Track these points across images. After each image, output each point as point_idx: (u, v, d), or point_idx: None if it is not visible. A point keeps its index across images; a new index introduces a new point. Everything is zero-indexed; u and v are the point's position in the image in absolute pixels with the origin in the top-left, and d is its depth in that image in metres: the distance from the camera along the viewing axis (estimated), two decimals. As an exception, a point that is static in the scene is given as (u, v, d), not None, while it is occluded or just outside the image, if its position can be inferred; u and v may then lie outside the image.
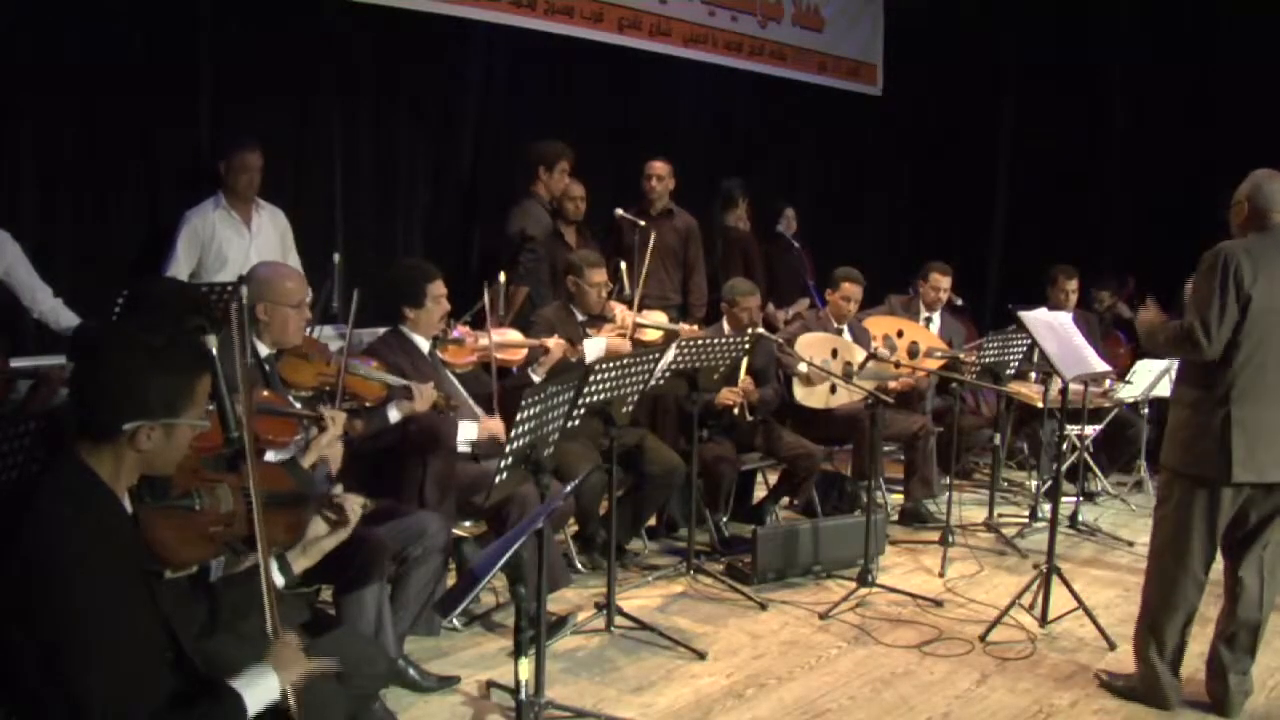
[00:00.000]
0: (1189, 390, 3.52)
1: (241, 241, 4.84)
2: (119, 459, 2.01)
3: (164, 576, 2.16)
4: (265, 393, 3.25)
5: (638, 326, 5.21)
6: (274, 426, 3.11)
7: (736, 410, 5.18)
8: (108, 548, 1.93)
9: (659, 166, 6.30)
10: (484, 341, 4.49)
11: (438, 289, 4.16)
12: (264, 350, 3.47)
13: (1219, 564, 3.66)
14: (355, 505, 2.57)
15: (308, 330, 3.70)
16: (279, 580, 2.39)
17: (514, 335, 4.80)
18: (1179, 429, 3.53)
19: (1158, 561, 3.63)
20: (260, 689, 2.10)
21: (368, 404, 3.71)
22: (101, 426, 1.99)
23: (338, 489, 2.61)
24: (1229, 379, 3.39)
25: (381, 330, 4.26)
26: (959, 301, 6.77)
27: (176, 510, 2.22)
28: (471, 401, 4.36)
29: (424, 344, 4.20)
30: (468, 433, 4.18)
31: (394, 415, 3.80)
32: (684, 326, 5.43)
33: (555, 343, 4.74)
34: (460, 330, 4.55)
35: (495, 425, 4.17)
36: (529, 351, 4.70)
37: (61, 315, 4.29)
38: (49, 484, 1.99)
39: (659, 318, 5.47)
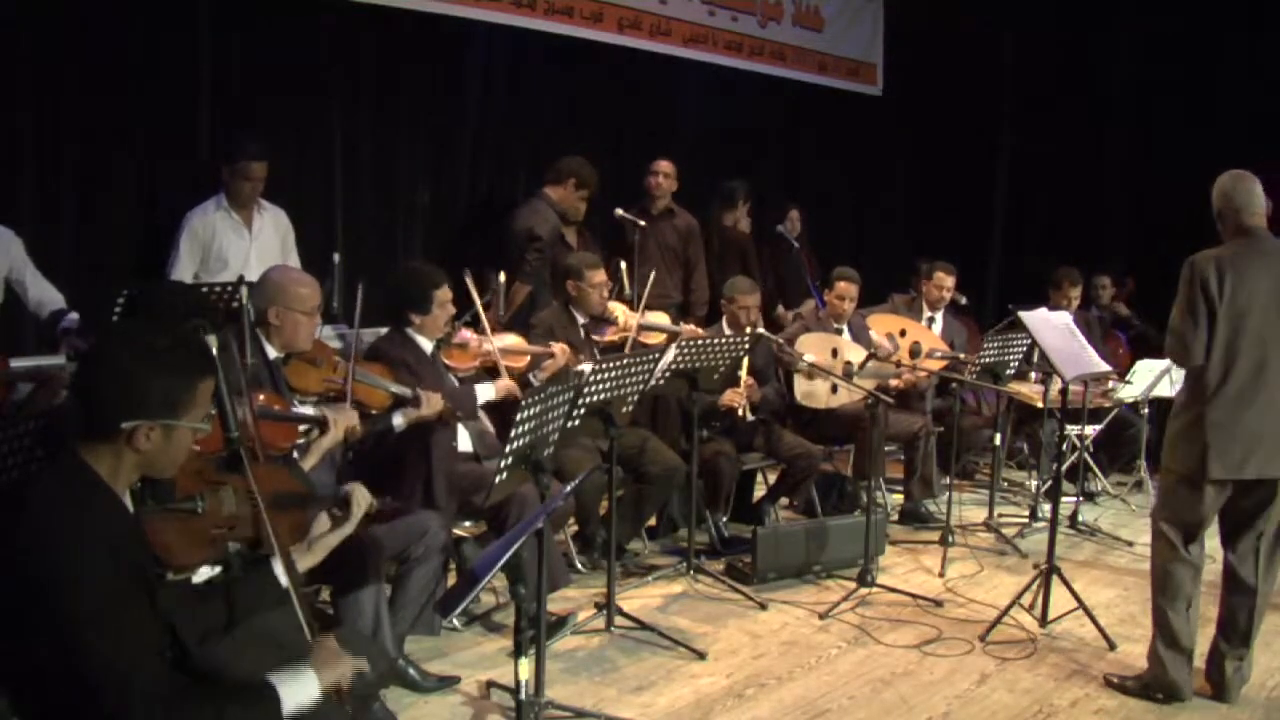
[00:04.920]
0: (1182, 393, 3.71)
1: (242, 243, 4.83)
2: (118, 459, 2.01)
3: (166, 578, 2.16)
4: (262, 396, 3.25)
5: (641, 329, 5.21)
6: (274, 430, 3.11)
7: (740, 410, 5.18)
8: (107, 547, 1.92)
9: (664, 165, 6.33)
10: (488, 346, 4.49)
11: (444, 294, 4.16)
12: (272, 353, 3.48)
13: (1222, 562, 3.75)
14: (361, 499, 2.56)
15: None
16: (283, 580, 2.39)
17: (517, 340, 4.79)
18: (1170, 429, 3.73)
19: (1155, 550, 3.76)
20: (298, 688, 2.07)
21: (373, 411, 3.70)
22: (101, 425, 1.99)
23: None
24: (1207, 382, 3.56)
25: (384, 330, 4.25)
26: (963, 301, 6.76)
27: (180, 513, 2.22)
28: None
29: (427, 346, 4.19)
30: (485, 394, 4.25)
31: (399, 422, 3.80)
32: (686, 327, 5.42)
33: (560, 349, 4.74)
34: (464, 334, 4.54)
35: (511, 384, 4.30)
36: (532, 357, 4.70)
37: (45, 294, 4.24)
38: (49, 483, 1.99)
39: (661, 318, 5.47)
